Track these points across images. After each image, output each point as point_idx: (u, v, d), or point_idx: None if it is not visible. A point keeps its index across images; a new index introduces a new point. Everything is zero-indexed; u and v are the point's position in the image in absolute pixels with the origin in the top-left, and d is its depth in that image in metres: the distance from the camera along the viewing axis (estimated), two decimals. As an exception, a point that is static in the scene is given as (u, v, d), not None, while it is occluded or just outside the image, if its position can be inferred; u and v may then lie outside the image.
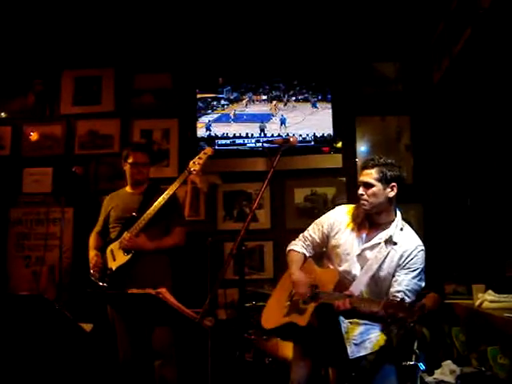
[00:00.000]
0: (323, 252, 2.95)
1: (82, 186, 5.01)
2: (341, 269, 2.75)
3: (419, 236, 2.77)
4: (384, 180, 2.68)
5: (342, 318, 2.71)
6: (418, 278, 2.65)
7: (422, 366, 3.23)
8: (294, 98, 4.99)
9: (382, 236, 2.71)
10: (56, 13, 4.88)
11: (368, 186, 2.69)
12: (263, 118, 5.02)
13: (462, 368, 3.16)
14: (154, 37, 5.16)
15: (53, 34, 5.16)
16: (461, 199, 4.17)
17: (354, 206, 2.88)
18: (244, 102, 5.06)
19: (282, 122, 4.97)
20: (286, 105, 5.00)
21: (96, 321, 3.44)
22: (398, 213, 2.79)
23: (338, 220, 2.87)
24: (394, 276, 2.66)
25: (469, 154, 4.00)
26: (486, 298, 3.12)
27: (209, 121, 5.05)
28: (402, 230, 2.73)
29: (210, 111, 5.06)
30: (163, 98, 5.23)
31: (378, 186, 2.68)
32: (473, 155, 3.93)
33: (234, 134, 5.00)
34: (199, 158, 3.61)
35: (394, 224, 2.74)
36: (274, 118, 5.00)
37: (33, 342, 3.33)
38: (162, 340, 3.51)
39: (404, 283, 2.62)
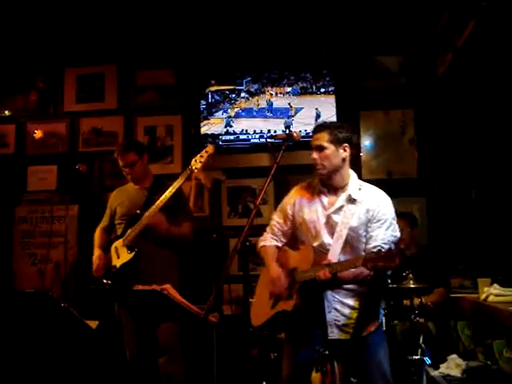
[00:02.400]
0: (295, 238, 2.88)
1: (86, 184, 5.03)
2: (314, 244, 2.71)
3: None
4: (336, 141, 2.67)
5: (329, 299, 2.64)
6: (391, 229, 2.64)
7: (427, 360, 3.24)
8: (323, 90, 4.71)
9: (344, 197, 2.70)
10: (58, 10, 4.87)
11: (320, 149, 2.68)
12: (288, 113, 4.71)
13: (468, 362, 3.17)
14: (156, 32, 5.13)
15: (55, 31, 5.15)
16: (465, 192, 4.16)
17: (308, 180, 2.90)
18: (266, 94, 4.74)
19: (316, 117, 4.72)
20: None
21: (102, 318, 3.44)
22: (353, 174, 2.79)
23: (297, 197, 2.87)
24: (367, 232, 2.65)
25: (473, 147, 3.99)
26: (492, 292, 3.12)
27: (227, 115, 4.85)
28: (360, 189, 2.72)
29: (227, 104, 4.88)
30: (166, 95, 5.22)
31: (331, 148, 2.67)
32: (477, 148, 3.92)
33: (255, 131, 4.78)
34: (201, 156, 3.56)
35: (350, 184, 2.73)
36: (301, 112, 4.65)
37: (39, 339, 3.35)
38: (167, 336, 3.50)
39: (379, 237, 2.61)
